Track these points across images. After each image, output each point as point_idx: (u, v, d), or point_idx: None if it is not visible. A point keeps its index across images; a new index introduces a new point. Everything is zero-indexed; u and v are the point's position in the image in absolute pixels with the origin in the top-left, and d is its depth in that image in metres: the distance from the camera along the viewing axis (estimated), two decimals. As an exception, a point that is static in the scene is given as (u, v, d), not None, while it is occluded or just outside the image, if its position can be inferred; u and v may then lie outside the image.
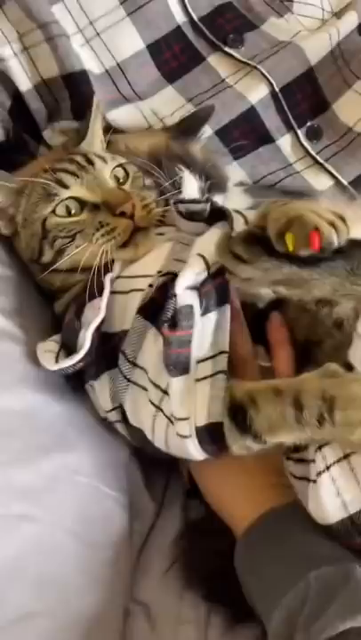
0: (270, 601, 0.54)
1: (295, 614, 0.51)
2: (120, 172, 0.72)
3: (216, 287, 0.61)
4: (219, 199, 0.79)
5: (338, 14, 0.97)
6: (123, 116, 0.86)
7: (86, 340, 0.62)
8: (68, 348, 0.66)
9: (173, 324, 0.59)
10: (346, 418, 0.53)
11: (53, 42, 0.84)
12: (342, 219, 0.56)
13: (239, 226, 0.63)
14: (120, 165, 0.73)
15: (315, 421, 0.53)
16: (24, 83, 0.86)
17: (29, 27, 0.84)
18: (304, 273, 0.57)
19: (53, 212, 0.69)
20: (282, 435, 0.55)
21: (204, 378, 0.58)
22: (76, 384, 0.68)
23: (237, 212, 0.66)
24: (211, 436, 0.57)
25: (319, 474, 0.55)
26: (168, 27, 0.90)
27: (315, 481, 0.56)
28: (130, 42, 0.88)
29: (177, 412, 0.58)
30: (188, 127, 0.83)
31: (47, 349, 0.66)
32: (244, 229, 0.60)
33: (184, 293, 0.60)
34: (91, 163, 0.71)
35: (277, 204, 0.57)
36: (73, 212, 0.69)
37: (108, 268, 0.66)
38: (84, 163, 0.71)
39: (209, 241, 0.62)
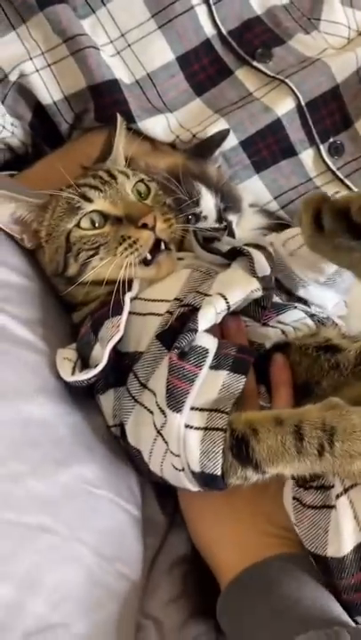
0: None
1: None
2: (142, 187, 0.74)
3: (236, 358, 0.61)
4: (234, 219, 0.82)
5: (364, 33, 0.99)
6: (151, 125, 0.89)
7: (104, 356, 0.63)
8: (83, 358, 0.68)
9: (183, 355, 0.60)
10: (346, 449, 0.53)
11: (82, 53, 0.87)
12: None
13: (261, 265, 0.66)
14: (142, 181, 0.74)
15: (315, 451, 0.54)
16: (46, 97, 0.90)
17: (55, 42, 0.87)
18: None
19: (78, 225, 0.71)
20: (282, 465, 0.55)
21: (196, 428, 0.58)
22: (87, 394, 0.69)
23: (258, 246, 0.68)
24: (205, 479, 0.58)
25: (338, 496, 0.56)
26: (197, 39, 0.92)
27: (335, 506, 0.56)
28: (160, 53, 0.91)
29: (171, 446, 0.59)
30: (203, 149, 0.86)
31: (66, 357, 0.68)
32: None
33: (203, 335, 0.61)
34: (113, 177, 0.73)
35: None
36: (97, 224, 0.71)
37: (129, 284, 0.67)
38: (107, 178, 0.72)
39: (229, 280, 0.65)
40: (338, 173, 0.90)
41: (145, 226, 0.68)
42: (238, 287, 0.65)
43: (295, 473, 0.57)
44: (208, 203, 0.79)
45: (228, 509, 0.61)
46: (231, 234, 0.79)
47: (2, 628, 0.53)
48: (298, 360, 0.65)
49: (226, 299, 0.64)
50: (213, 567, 0.62)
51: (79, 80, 0.87)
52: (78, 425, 0.67)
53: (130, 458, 0.67)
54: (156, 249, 0.69)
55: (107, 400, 0.67)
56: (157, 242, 0.69)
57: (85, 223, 0.71)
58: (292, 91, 0.90)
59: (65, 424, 0.66)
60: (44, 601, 0.56)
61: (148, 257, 0.68)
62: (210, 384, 0.59)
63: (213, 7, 0.91)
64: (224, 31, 0.92)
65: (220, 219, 0.79)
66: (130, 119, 0.87)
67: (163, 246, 0.69)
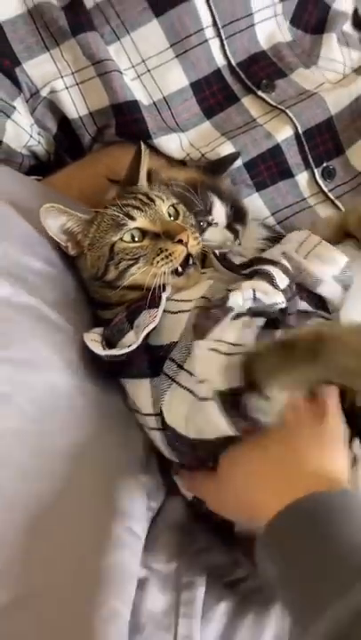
0: (310, 606, 0.52)
1: (348, 634, 0.48)
2: (172, 210, 0.84)
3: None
4: (240, 228, 0.92)
5: (357, 71, 1.10)
6: (165, 142, 0.99)
7: (140, 338, 0.74)
8: (110, 342, 0.78)
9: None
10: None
11: (108, 76, 0.97)
12: None
13: (281, 279, 0.76)
14: (173, 205, 0.84)
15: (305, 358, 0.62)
16: (72, 112, 0.99)
17: (84, 64, 0.97)
18: None
19: (121, 238, 0.81)
20: (281, 379, 0.64)
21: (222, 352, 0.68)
22: (108, 374, 0.79)
23: (272, 262, 0.79)
24: (232, 402, 0.65)
25: None
26: (210, 69, 1.02)
27: None
28: (176, 79, 1.01)
29: (198, 373, 0.68)
30: (217, 166, 0.95)
31: (92, 339, 0.78)
32: None
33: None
34: (152, 200, 0.83)
35: None
36: (136, 239, 0.81)
37: (161, 289, 0.78)
38: (146, 200, 0.82)
39: (257, 285, 0.75)
40: (329, 195, 1.01)
41: (180, 241, 0.79)
42: (265, 292, 0.75)
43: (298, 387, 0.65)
44: (220, 212, 0.88)
45: (265, 458, 0.64)
46: (237, 240, 0.89)
47: None
48: None
49: (254, 290, 0.74)
50: (254, 514, 0.61)
51: (103, 99, 0.98)
52: (95, 400, 0.77)
53: (168, 442, 0.75)
54: (186, 262, 0.80)
55: (140, 388, 0.76)
56: (188, 256, 0.80)
57: (127, 237, 0.81)
58: (292, 120, 1.01)
59: (83, 397, 0.75)
60: None
61: (180, 269, 0.79)
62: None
63: (225, 41, 1.01)
64: (233, 63, 1.03)
65: (229, 226, 0.89)
66: (147, 136, 0.97)
67: (191, 260, 0.80)
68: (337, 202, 1.01)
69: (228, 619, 0.72)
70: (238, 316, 0.73)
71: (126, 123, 0.98)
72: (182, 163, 1.01)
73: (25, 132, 1.00)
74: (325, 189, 1.02)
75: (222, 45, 1.02)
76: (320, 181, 1.02)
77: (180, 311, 0.77)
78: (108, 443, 0.76)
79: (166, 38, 0.99)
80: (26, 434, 0.68)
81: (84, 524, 0.68)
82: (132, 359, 0.76)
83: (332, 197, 1.01)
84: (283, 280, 0.77)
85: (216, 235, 0.88)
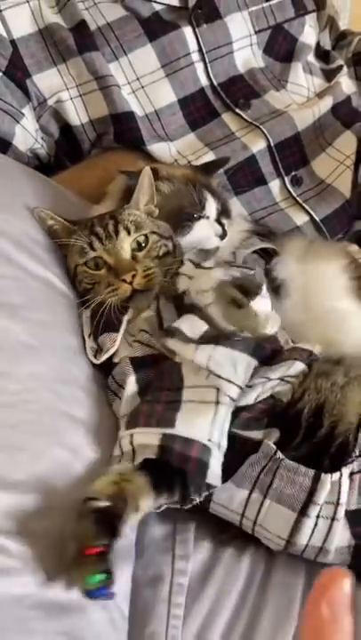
0: None
1: None
2: (141, 239, 0.89)
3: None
4: (225, 222, 1.03)
5: (319, 95, 1.27)
6: (157, 149, 1.12)
7: (101, 359, 0.84)
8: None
9: None
10: None
11: (108, 90, 1.10)
12: None
13: None
14: (144, 235, 0.89)
15: None
16: (75, 119, 1.12)
17: (87, 79, 1.10)
18: None
19: (85, 263, 0.88)
20: None
21: None
22: None
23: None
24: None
25: None
26: (195, 87, 1.16)
27: None
28: (166, 95, 1.14)
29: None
30: (208, 168, 1.07)
31: (91, 346, 0.86)
32: None
33: None
34: (116, 232, 0.88)
35: None
36: (98, 266, 0.88)
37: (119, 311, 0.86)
38: (111, 231, 0.88)
39: None
40: (298, 199, 1.16)
41: (124, 280, 0.85)
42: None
43: None
44: (211, 207, 0.99)
45: None
46: (225, 234, 1.00)
47: None
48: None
49: None
50: None
51: (103, 109, 1.10)
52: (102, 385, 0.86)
53: None
54: (133, 294, 0.86)
55: None
56: (134, 291, 0.86)
57: (90, 263, 0.88)
58: (265, 134, 1.16)
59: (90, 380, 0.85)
60: None
61: (126, 300, 0.86)
62: None
63: (209, 64, 1.16)
64: (215, 83, 1.17)
65: (218, 220, 1.00)
66: (141, 143, 1.11)
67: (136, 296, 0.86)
68: (305, 205, 1.16)
69: (213, 549, 0.82)
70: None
71: (123, 131, 1.11)
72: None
73: (31, 137, 1.12)
74: (295, 194, 1.17)
75: (206, 68, 1.16)
76: (290, 188, 1.17)
77: (130, 336, 0.86)
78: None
79: (158, 60, 1.13)
80: (49, 379, 0.79)
81: None
82: None
83: (300, 201, 1.16)
84: (197, 327, 0.83)
85: (207, 227, 0.99)
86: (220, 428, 0.76)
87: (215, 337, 0.81)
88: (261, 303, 0.88)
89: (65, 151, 1.16)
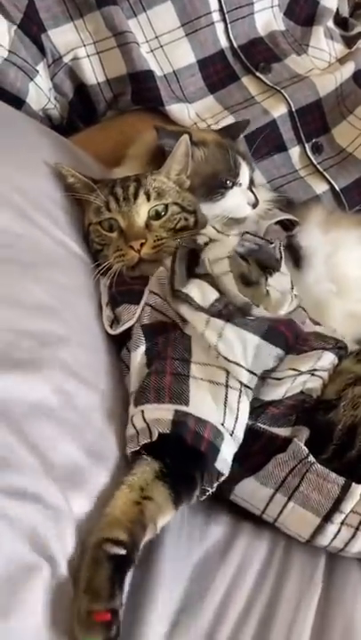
0: None
1: None
2: (161, 208, 0.86)
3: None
4: (254, 190, 0.98)
5: (341, 61, 1.24)
6: (175, 111, 1.08)
7: (118, 330, 0.79)
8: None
9: None
10: None
11: (127, 47, 1.06)
12: None
13: None
14: (165, 204, 0.86)
15: None
16: (91, 78, 1.08)
17: (105, 35, 1.06)
18: None
19: (99, 223, 0.86)
20: None
21: None
22: None
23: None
24: None
25: None
26: (215, 49, 1.13)
27: None
28: (185, 55, 1.11)
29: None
30: (231, 132, 1.03)
31: (107, 315, 0.82)
32: None
33: None
34: (135, 196, 0.85)
35: None
36: (112, 228, 0.85)
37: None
38: (131, 194, 0.85)
39: None
40: (318, 167, 1.13)
41: (132, 247, 0.83)
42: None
43: None
44: (245, 173, 0.95)
45: None
46: (257, 202, 0.96)
47: None
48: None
49: None
50: None
51: (121, 68, 1.07)
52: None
53: None
54: (139, 263, 0.83)
55: None
56: (141, 260, 0.83)
57: (105, 224, 0.86)
58: (286, 99, 1.12)
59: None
60: None
61: (132, 267, 0.83)
62: None
63: (229, 25, 1.12)
64: (235, 45, 1.14)
65: (249, 187, 0.96)
66: (160, 103, 1.07)
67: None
68: (325, 173, 1.13)
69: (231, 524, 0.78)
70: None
71: (141, 90, 1.07)
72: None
73: (44, 96, 1.08)
74: (315, 162, 1.13)
75: (226, 29, 1.13)
76: (310, 155, 1.14)
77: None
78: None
79: (178, 18, 1.09)
80: (71, 341, 0.75)
81: None
82: None
83: (321, 169, 1.13)
84: (208, 295, 0.80)
85: (240, 195, 0.94)
86: (232, 416, 0.72)
87: (227, 313, 0.78)
88: (280, 281, 0.85)
89: (78, 112, 1.12)
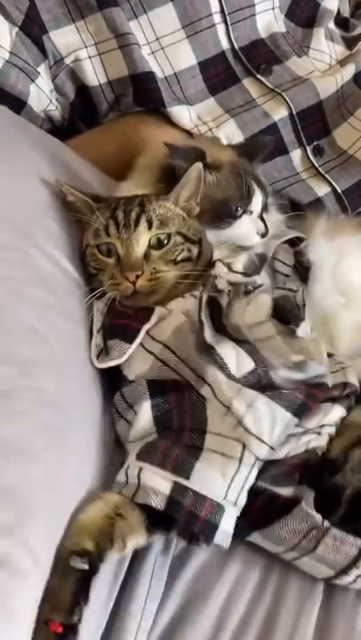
0: None
1: None
2: (162, 237, 0.81)
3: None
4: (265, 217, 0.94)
5: (341, 62, 1.23)
6: (177, 112, 1.08)
7: (104, 365, 0.77)
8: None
9: None
10: None
11: (128, 48, 1.05)
12: None
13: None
14: (167, 234, 0.82)
15: None
16: (93, 80, 1.07)
17: (107, 36, 1.05)
18: None
19: (97, 246, 0.83)
20: None
21: None
22: None
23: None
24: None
25: None
26: (215, 50, 1.12)
27: None
28: (186, 58, 1.10)
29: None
30: (252, 151, 0.98)
31: (96, 343, 0.79)
32: None
33: None
34: (137, 223, 0.81)
35: None
36: (110, 253, 0.82)
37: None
38: (132, 220, 0.81)
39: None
40: (320, 169, 1.13)
41: (127, 278, 0.79)
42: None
43: None
44: (257, 201, 0.91)
45: None
46: (267, 232, 0.92)
47: None
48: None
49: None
50: None
51: (123, 69, 1.06)
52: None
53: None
54: (134, 294, 0.79)
55: None
56: (135, 291, 0.79)
57: (102, 247, 0.82)
58: (286, 102, 1.12)
59: None
60: None
61: (125, 299, 0.80)
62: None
63: (230, 27, 1.12)
64: (236, 47, 1.13)
65: (260, 215, 0.92)
66: (162, 105, 1.06)
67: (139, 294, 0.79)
68: (327, 176, 1.13)
69: None
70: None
71: (143, 92, 1.06)
72: (190, 135, 1.10)
73: (45, 97, 1.07)
74: (316, 165, 1.13)
75: (227, 30, 1.12)
76: (311, 158, 1.13)
77: (148, 351, 0.78)
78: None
79: (179, 20, 1.08)
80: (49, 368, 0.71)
81: None
82: None
83: (322, 172, 1.13)
84: (244, 365, 0.76)
85: (250, 223, 0.90)
86: (238, 488, 0.70)
87: (259, 386, 0.75)
88: (307, 327, 0.82)
89: (80, 114, 1.11)
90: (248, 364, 0.76)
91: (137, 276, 0.79)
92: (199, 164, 0.85)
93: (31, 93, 1.05)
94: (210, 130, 1.10)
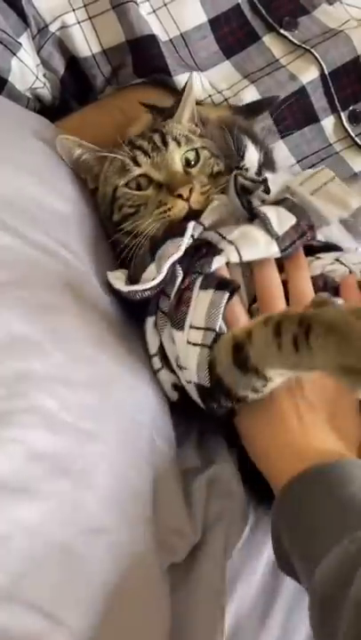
0: (319, 546, 0.54)
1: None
2: (191, 155, 0.78)
3: (219, 280, 0.69)
4: (269, 177, 0.84)
5: (383, 8, 1.05)
6: (185, 81, 0.92)
7: (163, 269, 0.68)
8: (132, 280, 0.72)
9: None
10: (320, 343, 0.53)
11: (123, 7, 0.90)
12: None
13: (280, 222, 0.72)
14: (194, 149, 0.79)
15: (290, 346, 0.55)
16: (85, 50, 0.92)
17: None
18: None
19: (126, 184, 0.77)
20: (270, 364, 0.58)
21: (194, 344, 0.65)
22: (139, 316, 0.73)
23: (278, 201, 0.75)
24: (202, 392, 0.64)
25: None
26: (228, 4, 0.96)
27: None
28: (193, 14, 0.95)
29: (181, 361, 0.66)
30: (253, 109, 0.90)
31: (117, 277, 0.73)
32: None
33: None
34: (165, 144, 0.77)
35: None
36: (142, 187, 0.77)
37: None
38: (159, 143, 0.77)
39: (251, 236, 0.71)
40: (356, 140, 0.96)
41: (180, 196, 0.73)
42: (256, 248, 0.71)
43: (291, 372, 0.59)
44: (252, 157, 0.83)
45: (284, 427, 0.64)
46: (267, 190, 0.83)
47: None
48: None
49: (240, 254, 0.70)
50: (271, 476, 0.63)
51: (119, 34, 0.91)
52: (128, 350, 0.71)
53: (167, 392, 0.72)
54: (188, 218, 0.73)
55: (148, 324, 0.72)
56: (190, 209, 0.74)
57: (132, 184, 0.77)
58: (317, 60, 0.95)
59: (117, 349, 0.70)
60: (98, 503, 0.58)
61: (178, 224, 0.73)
62: (201, 303, 0.67)
63: None
64: None
65: (259, 173, 0.83)
66: (167, 73, 0.91)
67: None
68: (365, 147, 0.96)
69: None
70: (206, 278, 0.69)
71: (144, 59, 0.91)
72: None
73: (31, 73, 0.92)
74: (353, 134, 0.96)
75: None
76: (347, 125, 0.96)
77: None
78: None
79: None
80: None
81: None
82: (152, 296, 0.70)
83: (359, 142, 0.96)
84: (282, 223, 0.71)
85: None
86: None
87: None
88: None
89: (72, 91, 0.97)
90: (290, 219, 0.72)
91: (190, 191, 0.74)
92: (191, 83, 0.83)
93: (13, 69, 0.90)
94: (226, 100, 0.94)
